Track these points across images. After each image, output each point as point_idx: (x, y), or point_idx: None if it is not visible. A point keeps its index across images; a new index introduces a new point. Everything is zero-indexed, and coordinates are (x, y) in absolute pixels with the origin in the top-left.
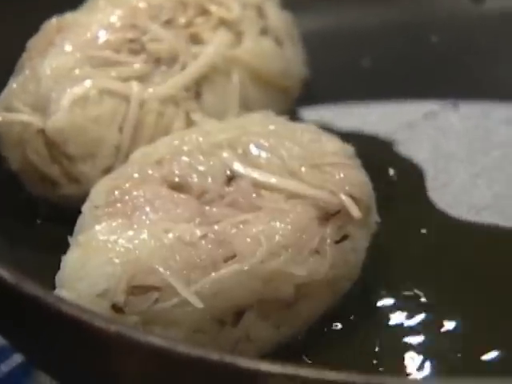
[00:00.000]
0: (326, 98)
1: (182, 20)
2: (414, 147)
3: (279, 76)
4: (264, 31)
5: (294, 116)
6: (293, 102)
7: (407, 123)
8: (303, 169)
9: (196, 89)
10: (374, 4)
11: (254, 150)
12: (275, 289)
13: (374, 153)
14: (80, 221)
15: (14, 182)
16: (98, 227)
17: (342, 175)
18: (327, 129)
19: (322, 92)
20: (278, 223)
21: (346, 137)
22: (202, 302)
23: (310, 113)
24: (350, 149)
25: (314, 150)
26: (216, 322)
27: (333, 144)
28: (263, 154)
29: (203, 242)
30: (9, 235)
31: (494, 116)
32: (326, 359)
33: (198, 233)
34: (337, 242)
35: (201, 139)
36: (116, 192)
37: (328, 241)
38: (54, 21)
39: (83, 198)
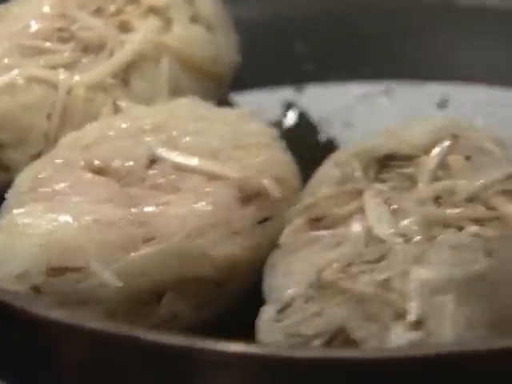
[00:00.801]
0: (258, 82)
1: (112, 8)
2: (347, 130)
3: (210, 62)
4: (194, 18)
5: (226, 101)
6: (225, 87)
7: (340, 106)
8: (226, 151)
9: (124, 76)
10: None
11: (178, 133)
12: (196, 269)
13: (306, 135)
14: (4, 206)
15: None
16: (19, 211)
17: (264, 156)
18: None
19: (254, 77)
20: (198, 204)
21: (279, 120)
22: (122, 282)
23: (243, 98)
24: (273, 131)
25: (238, 132)
26: (138, 301)
27: (256, 126)
28: (187, 138)
29: (123, 222)
30: None
31: (427, 98)
32: (253, 337)
33: (119, 214)
34: (258, 223)
35: (127, 124)
36: (39, 177)
37: (249, 221)
38: None
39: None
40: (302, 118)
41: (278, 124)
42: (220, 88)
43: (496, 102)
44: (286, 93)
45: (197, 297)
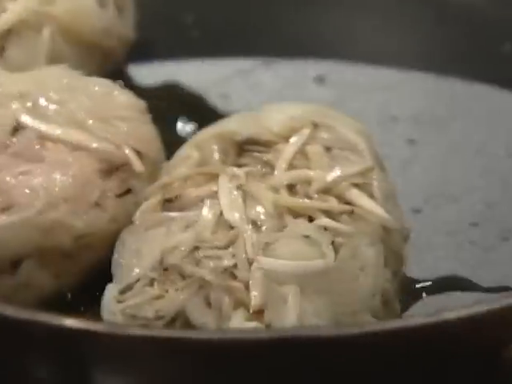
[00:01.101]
0: (145, 55)
1: None
2: (226, 103)
3: (99, 36)
4: None
5: (120, 73)
6: (118, 60)
7: (219, 80)
8: (91, 122)
9: (1, 43)
10: None
11: (43, 102)
12: (54, 239)
13: (185, 108)
14: None
15: None
16: None
17: (128, 129)
18: (138, 85)
19: (141, 49)
20: (59, 175)
21: (158, 93)
22: None
23: (137, 70)
24: (141, 103)
25: (105, 103)
26: None
27: (124, 98)
28: (52, 107)
29: None
30: None
31: (306, 73)
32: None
33: None
34: (119, 196)
35: None
36: None
37: (109, 194)
38: None
39: None
40: (179, 89)
41: (152, 96)
42: (110, 61)
43: (375, 82)
44: (170, 66)
45: (53, 267)
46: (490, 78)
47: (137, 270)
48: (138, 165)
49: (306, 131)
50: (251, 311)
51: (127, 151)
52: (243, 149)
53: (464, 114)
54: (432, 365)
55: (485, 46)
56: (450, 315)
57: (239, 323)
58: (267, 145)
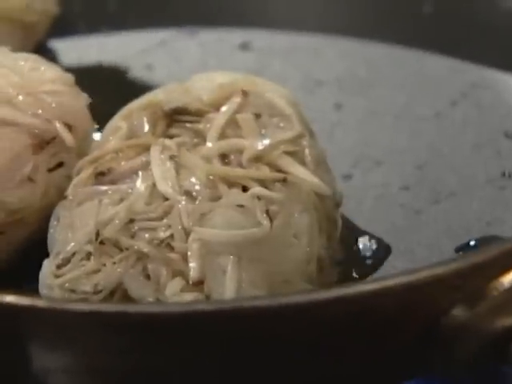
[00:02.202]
0: (66, 30)
1: None
2: (152, 75)
3: (20, 12)
4: None
5: (45, 48)
6: (41, 35)
7: (143, 52)
8: (20, 97)
9: None
10: None
11: None
12: None
13: (101, 82)
14: None
15: None
16: None
17: (57, 103)
18: (61, 61)
19: (63, 24)
20: None
21: (82, 67)
22: None
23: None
24: (69, 77)
25: (33, 78)
26: None
27: (52, 72)
28: None
29: None
30: None
31: (230, 41)
32: None
33: None
34: (50, 170)
35: None
36: None
37: (41, 169)
38: None
39: None
40: (102, 64)
41: (76, 71)
42: (34, 35)
43: (298, 47)
44: (92, 40)
45: None
46: (411, 41)
47: (72, 244)
48: (68, 138)
49: (236, 99)
50: (190, 282)
51: (57, 125)
52: (173, 119)
53: (387, 77)
54: (369, 334)
55: (406, 8)
56: (388, 283)
57: (177, 294)
58: (197, 114)
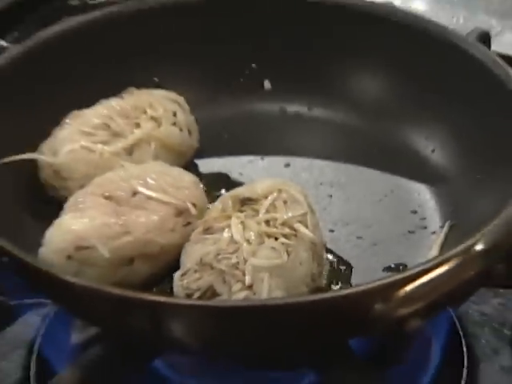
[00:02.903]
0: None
1: (134, 114)
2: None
3: (180, 146)
4: (174, 123)
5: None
6: (187, 159)
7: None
8: (170, 189)
9: (130, 149)
10: None
11: (149, 180)
12: (148, 248)
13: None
14: (61, 212)
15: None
16: (64, 216)
17: (188, 192)
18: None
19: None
20: (153, 215)
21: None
22: (110, 254)
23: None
24: (196, 179)
25: (177, 179)
26: (118, 264)
27: (188, 176)
28: (152, 182)
29: (114, 224)
30: (37, 214)
31: (279, 163)
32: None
33: (112, 220)
34: (184, 226)
35: (125, 173)
36: (76, 199)
37: (179, 225)
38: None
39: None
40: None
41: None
42: (182, 159)
43: (315, 164)
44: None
45: (150, 263)
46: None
47: (189, 264)
48: (193, 210)
49: (275, 194)
50: (246, 285)
51: (188, 204)
52: (244, 202)
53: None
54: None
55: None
56: (342, 292)
57: (237, 291)
58: (255, 200)
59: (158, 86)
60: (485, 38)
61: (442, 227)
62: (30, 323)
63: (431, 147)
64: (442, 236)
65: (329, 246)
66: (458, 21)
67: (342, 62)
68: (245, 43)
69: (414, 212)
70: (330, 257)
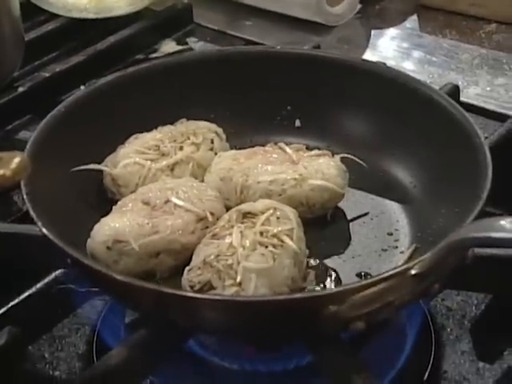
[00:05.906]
0: None
1: (179, 139)
2: None
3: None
4: (211, 148)
5: None
6: None
7: None
8: (195, 200)
9: (172, 167)
10: None
11: (180, 192)
12: (173, 246)
13: None
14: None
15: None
16: (110, 215)
17: (209, 204)
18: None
19: None
20: (178, 219)
21: None
22: (140, 249)
23: None
24: (217, 192)
25: (201, 192)
26: (147, 257)
27: (210, 191)
28: (182, 194)
29: (147, 225)
30: (98, 211)
31: None
32: None
33: (146, 221)
34: (202, 229)
35: (161, 185)
36: (123, 202)
37: (198, 229)
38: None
39: None
40: None
41: None
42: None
43: None
44: None
45: (173, 257)
46: None
47: (195, 262)
48: (210, 217)
49: (271, 211)
50: (237, 282)
51: (207, 213)
52: (245, 215)
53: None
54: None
55: None
56: (314, 293)
57: (229, 286)
58: (254, 214)
59: (211, 120)
60: (455, 91)
61: (408, 249)
62: (94, 307)
63: (409, 178)
64: (406, 256)
65: (320, 257)
66: (433, 77)
67: (342, 107)
68: (285, 91)
69: (390, 234)
70: (317, 264)
